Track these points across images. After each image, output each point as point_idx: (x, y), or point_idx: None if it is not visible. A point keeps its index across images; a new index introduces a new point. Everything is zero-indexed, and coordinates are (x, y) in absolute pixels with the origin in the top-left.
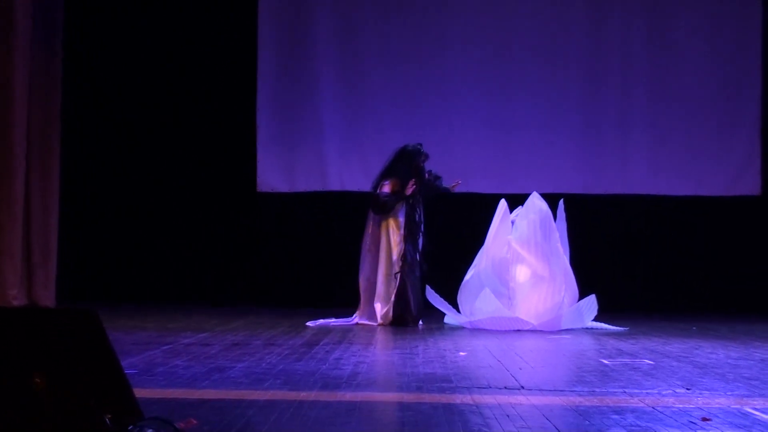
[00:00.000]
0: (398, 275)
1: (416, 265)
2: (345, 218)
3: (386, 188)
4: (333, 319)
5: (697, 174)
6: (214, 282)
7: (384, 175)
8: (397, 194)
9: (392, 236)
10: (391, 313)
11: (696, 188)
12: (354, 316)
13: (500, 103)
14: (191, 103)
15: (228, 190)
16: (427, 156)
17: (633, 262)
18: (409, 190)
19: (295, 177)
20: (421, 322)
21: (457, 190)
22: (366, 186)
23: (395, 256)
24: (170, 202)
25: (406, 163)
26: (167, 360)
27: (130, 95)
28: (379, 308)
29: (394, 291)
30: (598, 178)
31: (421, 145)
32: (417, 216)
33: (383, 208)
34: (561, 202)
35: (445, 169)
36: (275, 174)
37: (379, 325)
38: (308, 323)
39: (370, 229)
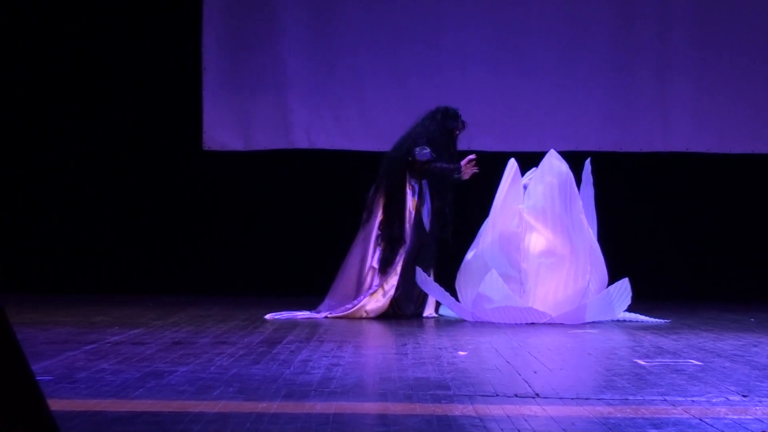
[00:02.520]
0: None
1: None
2: (314, 183)
3: (428, 151)
4: (300, 312)
5: (754, 127)
6: (149, 266)
7: (417, 136)
8: (451, 169)
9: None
10: (382, 304)
11: (753, 144)
12: (323, 308)
13: (509, 41)
14: (116, 41)
15: (165, 149)
16: (464, 125)
17: (676, 237)
18: (467, 173)
19: (251, 132)
20: (433, 313)
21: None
22: (342, 144)
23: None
24: (93, 167)
25: (438, 124)
26: (91, 363)
27: (39, 31)
28: (377, 299)
29: (397, 279)
30: (632, 133)
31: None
32: (447, 205)
33: (434, 174)
34: (587, 162)
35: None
36: (226, 128)
37: (363, 318)
38: (268, 316)
39: (380, 211)
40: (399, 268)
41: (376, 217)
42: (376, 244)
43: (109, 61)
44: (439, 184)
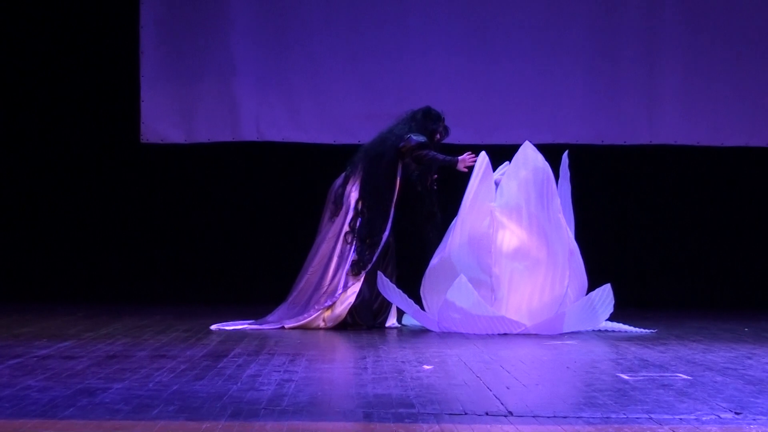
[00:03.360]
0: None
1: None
2: (264, 180)
3: (423, 138)
4: (249, 321)
5: (749, 119)
6: (79, 271)
7: (401, 133)
8: (447, 160)
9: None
10: (339, 311)
11: (748, 137)
12: (279, 316)
13: (479, 21)
14: (43, 20)
15: (99, 141)
16: (447, 131)
17: (663, 239)
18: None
19: (194, 123)
20: (395, 322)
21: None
22: (295, 136)
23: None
24: (17, 161)
25: (419, 125)
26: (15, 379)
27: None
28: (338, 307)
29: (359, 285)
30: (615, 124)
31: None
32: (437, 209)
33: (425, 162)
34: (565, 155)
35: (402, 113)
36: (166, 119)
37: (320, 328)
38: (213, 327)
39: (352, 207)
40: (357, 287)
41: (346, 213)
42: (345, 244)
43: (35, 44)
44: (426, 189)
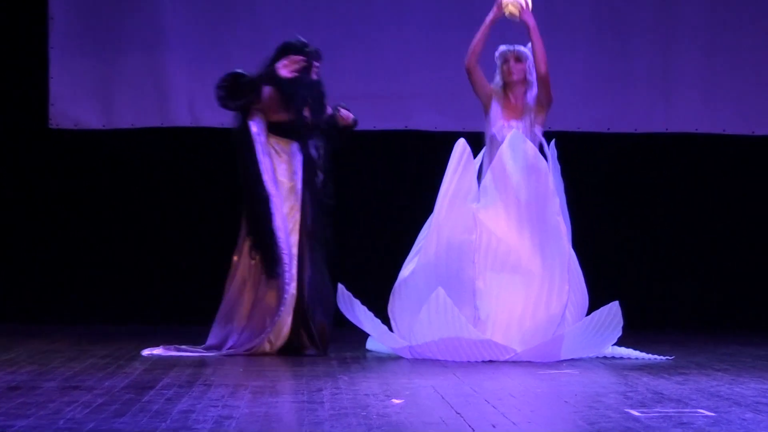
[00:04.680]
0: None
1: (320, 245)
2: (199, 172)
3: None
4: (184, 347)
5: None
6: None
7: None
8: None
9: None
10: (285, 331)
11: None
12: (219, 340)
13: None
14: None
15: None
16: (318, 55)
17: (681, 245)
18: (284, 69)
19: (114, 106)
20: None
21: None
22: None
23: (291, 233)
24: None
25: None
26: None
27: None
28: (270, 325)
29: (293, 294)
30: (625, 109)
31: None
32: (319, 158)
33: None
34: (552, 144)
35: (368, 95)
36: (80, 100)
37: (261, 353)
38: (144, 352)
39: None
40: (292, 287)
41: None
42: (251, 257)
43: None
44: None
